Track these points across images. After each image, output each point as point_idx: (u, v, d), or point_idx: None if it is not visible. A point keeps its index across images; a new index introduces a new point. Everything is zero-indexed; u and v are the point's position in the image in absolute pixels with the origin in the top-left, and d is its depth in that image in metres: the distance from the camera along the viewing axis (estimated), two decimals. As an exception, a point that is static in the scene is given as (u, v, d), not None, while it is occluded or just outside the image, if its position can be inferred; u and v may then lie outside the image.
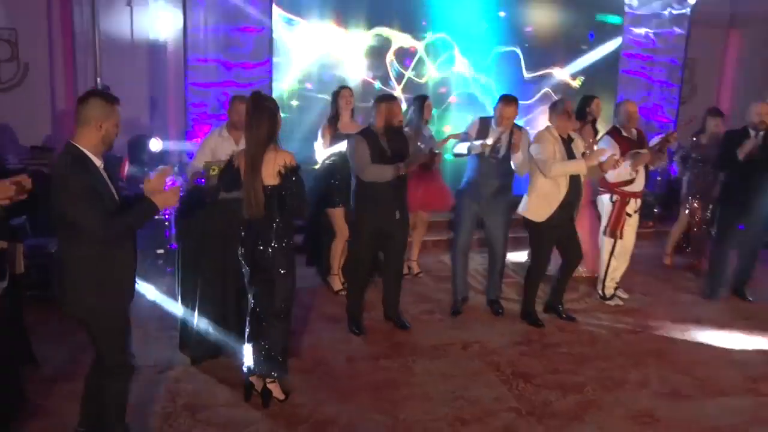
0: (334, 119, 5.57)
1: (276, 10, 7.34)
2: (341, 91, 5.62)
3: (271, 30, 7.27)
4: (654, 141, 5.63)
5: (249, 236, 3.72)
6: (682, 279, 6.43)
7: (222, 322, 4.30)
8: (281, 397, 3.89)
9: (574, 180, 4.95)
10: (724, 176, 5.85)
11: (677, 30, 8.66)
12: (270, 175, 3.59)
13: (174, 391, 3.98)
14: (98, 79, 6.69)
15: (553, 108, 5.02)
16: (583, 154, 5.00)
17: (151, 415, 3.70)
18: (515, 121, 5.02)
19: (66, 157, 2.85)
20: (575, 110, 5.74)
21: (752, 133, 5.46)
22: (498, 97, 5.13)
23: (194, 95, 7.16)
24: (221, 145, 4.94)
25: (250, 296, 3.87)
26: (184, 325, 4.44)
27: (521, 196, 5.18)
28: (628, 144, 5.34)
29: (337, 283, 5.71)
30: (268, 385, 3.88)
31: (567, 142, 4.96)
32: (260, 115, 3.57)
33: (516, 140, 4.89)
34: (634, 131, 5.49)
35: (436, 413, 3.86)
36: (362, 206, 4.76)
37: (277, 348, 3.84)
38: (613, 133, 5.47)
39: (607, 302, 5.69)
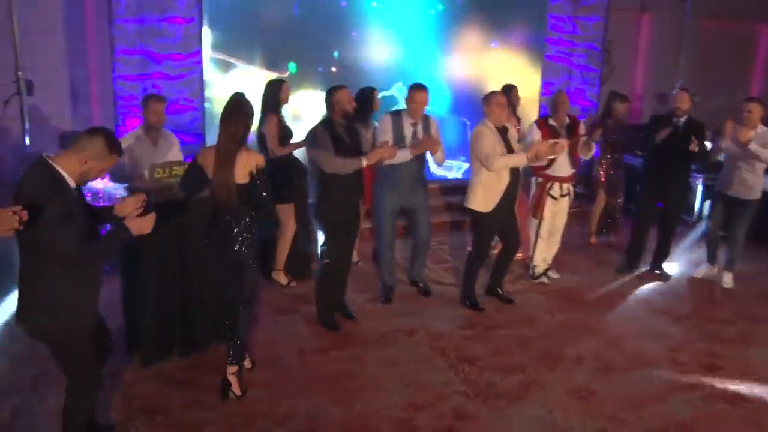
0: (276, 109, 5.53)
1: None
2: (282, 85, 5.62)
3: (200, 20, 7.15)
4: (583, 133, 5.88)
5: (217, 227, 3.83)
6: (607, 257, 6.82)
7: (179, 320, 4.35)
8: (238, 393, 4.00)
9: (514, 170, 5.18)
10: (645, 158, 6.25)
11: (595, 16, 9.05)
12: (241, 174, 3.72)
13: (128, 395, 4.00)
14: (19, 73, 6.43)
15: (487, 100, 5.21)
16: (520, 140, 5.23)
17: (108, 421, 3.71)
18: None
19: (43, 176, 2.77)
20: None
21: (674, 120, 5.83)
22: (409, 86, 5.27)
23: (123, 88, 6.99)
24: (138, 147, 4.94)
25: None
26: (132, 327, 4.45)
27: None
28: (551, 132, 5.61)
29: (283, 277, 5.79)
30: (228, 376, 4.00)
31: (502, 132, 5.16)
32: (239, 113, 3.73)
33: (433, 133, 5.13)
34: (566, 120, 5.78)
35: (390, 401, 4.05)
36: (327, 199, 4.79)
37: (240, 335, 3.98)
38: (539, 120, 5.78)
39: (535, 280, 6.02)
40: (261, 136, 5.43)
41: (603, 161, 7.02)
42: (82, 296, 2.97)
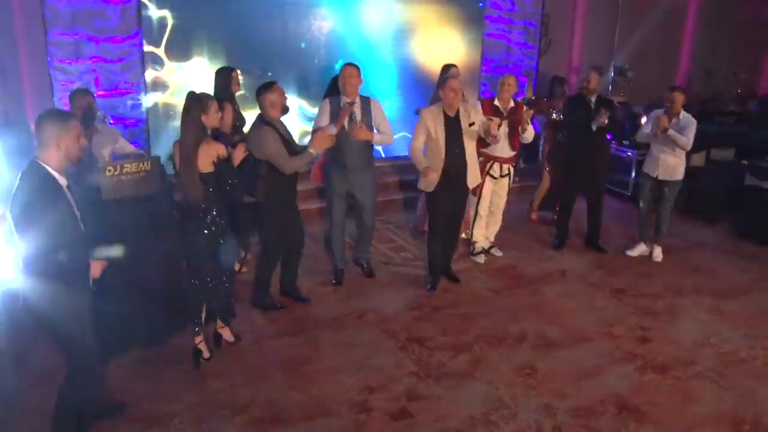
0: (231, 98, 5.53)
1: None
2: (232, 73, 5.62)
3: (138, 1, 6.99)
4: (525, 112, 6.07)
5: (191, 217, 4.13)
6: (547, 234, 7.09)
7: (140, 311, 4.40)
8: (231, 339, 4.63)
9: (452, 150, 5.24)
10: (568, 137, 6.54)
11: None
12: (205, 164, 4.00)
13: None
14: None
15: (439, 83, 5.31)
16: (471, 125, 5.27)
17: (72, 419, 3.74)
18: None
19: (33, 179, 2.96)
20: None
21: (586, 99, 6.17)
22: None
23: (60, 72, 6.81)
24: None
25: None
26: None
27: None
28: (492, 112, 5.80)
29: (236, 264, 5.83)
30: (219, 330, 4.58)
31: (453, 119, 5.24)
32: (197, 107, 3.96)
33: (360, 131, 5.12)
34: (511, 102, 5.95)
35: (345, 384, 4.21)
36: (274, 196, 4.85)
37: (228, 299, 4.52)
38: (484, 101, 5.97)
39: (474, 257, 6.25)
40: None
41: (547, 141, 7.29)
42: (78, 284, 3.19)
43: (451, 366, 4.47)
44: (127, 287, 4.31)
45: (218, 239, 4.19)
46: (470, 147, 5.36)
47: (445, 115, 5.26)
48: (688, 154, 6.19)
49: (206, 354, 4.41)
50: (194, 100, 3.96)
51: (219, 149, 4.03)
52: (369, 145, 5.40)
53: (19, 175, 3.02)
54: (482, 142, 5.76)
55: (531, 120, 5.91)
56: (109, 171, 4.19)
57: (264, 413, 3.90)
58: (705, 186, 7.59)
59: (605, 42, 10.43)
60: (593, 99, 6.18)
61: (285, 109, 4.76)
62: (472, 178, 5.42)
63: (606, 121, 5.92)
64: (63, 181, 3.08)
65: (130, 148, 5.05)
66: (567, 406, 4.05)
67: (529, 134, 5.96)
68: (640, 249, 6.50)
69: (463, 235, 6.43)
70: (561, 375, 4.39)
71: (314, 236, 6.68)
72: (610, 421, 3.93)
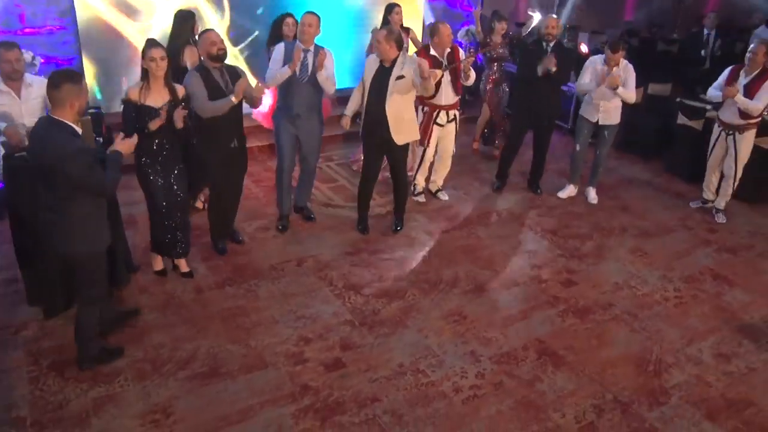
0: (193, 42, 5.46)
1: None
2: (194, 16, 5.58)
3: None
4: (463, 59, 6.04)
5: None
6: (487, 171, 7.25)
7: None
8: (186, 269, 5.03)
9: (372, 101, 5.30)
10: (518, 82, 6.57)
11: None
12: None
13: (36, 352, 4.13)
14: None
15: (382, 24, 5.26)
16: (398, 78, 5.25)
17: (18, 381, 3.87)
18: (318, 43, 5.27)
19: (61, 134, 3.38)
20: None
21: (543, 44, 6.15)
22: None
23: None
24: (0, 101, 4.62)
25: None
26: (30, 278, 4.48)
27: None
28: (433, 62, 5.75)
29: (199, 203, 6.00)
30: (176, 261, 5.02)
31: (385, 69, 5.22)
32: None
33: (320, 60, 5.16)
34: (447, 49, 5.91)
35: (283, 335, 4.40)
36: (205, 139, 4.89)
37: (184, 232, 4.89)
38: (421, 50, 5.92)
39: (414, 197, 6.40)
40: (181, 70, 5.31)
41: (488, 77, 7.34)
42: (103, 223, 3.75)
43: (384, 314, 4.69)
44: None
45: (165, 169, 4.56)
46: (400, 101, 5.28)
47: (381, 65, 5.25)
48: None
49: (159, 266, 5.00)
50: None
51: (181, 89, 4.48)
52: (316, 92, 5.38)
53: (38, 134, 3.46)
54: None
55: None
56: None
57: (204, 367, 4.07)
58: (640, 123, 7.79)
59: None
60: (551, 45, 6.15)
61: (213, 55, 4.69)
62: (401, 134, 5.37)
63: (553, 67, 5.94)
64: (78, 130, 3.50)
65: None
66: (491, 353, 4.33)
67: (471, 79, 5.99)
68: (569, 191, 6.71)
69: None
70: (487, 321, 4.66)
71: (256, 176, 6.70)
72: (529, 366, 4.22)
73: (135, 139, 3.86)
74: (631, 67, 6.07)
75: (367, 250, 5.54)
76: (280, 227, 5.79)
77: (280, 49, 5.29)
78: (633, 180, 7.32)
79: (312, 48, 5.23)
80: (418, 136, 5.73)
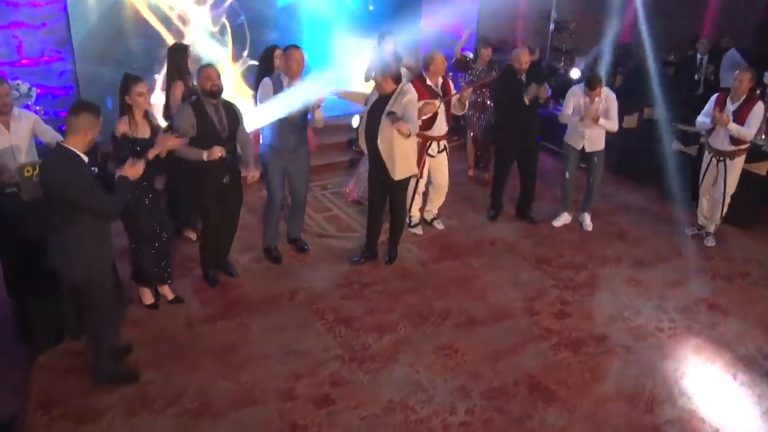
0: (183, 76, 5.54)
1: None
2: (188, 50, 5.65)
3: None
4: (454, 92, 6.02)
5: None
6: (483, 197, 7.19)
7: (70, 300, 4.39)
8: (171, 296, 5.07)
9: (368, 133, 5.30)
10: (500, 112, 6.59)
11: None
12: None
13: (22, 390, 4.10)
14: None
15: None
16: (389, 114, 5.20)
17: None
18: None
19: (64, 159, 3.61)
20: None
21: (518, 77, 6.15)
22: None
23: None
24: None
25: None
26: (20, 314, 4.49)
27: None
28: (428, 92, 5.78)
29: (192, 233, 6.04)
30: (160, 290, 5.04)
31: (382, 100, 5.23)
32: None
33: (318, 101, 5.22)
34: (439, 79, 5.92)
35: (273, 371, 4.39)
36: (195, 174, 4.91)
37: (169, 257, 5.01)
38: (416, 80, 5.89)
39: (411, 229, 6.37)
40: (167, 104, 5.48)
41: (472, 103, 7.32)
42: (104, 246, 3.91)
43: (375, 348, 4.67)
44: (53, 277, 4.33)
45: (146, 196, 4.61)
46: (392, 136, 5.19)
47: (378, 95, 5.27)
48: (620, 118, 6.33)
49: (150, 299, 4.98)
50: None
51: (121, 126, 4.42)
52: (303, 125, 5.41)
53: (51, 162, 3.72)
54: (422, 125, 5.79)
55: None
56: (27, 171, 4.16)
57: (194, 404, 4.06)
58: (635, 148, 7.79)
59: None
60: (524, 76, 6.17)
61: (207, 91, 4.72)
62: (396, 169, 5.33)
63: (544, 95, 5.97)
64: (85, 159, 3.68)
65: (51, 133, 4.89)
66: (482, 388, 4.30)
67: (461, 110, 6.04)
68: (564, 219, 6.69)
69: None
70: (479, 355, 4.63)
71: (250, 205, 6.70)
72: (520, 402, 4.19)
73: (142, 164, 3.99)
74: (613, 96, 6.08)
75: (359, 282, 5.52)
76: (272, 259, 5.77)
77: (267, 85, 5.26)
78: (629, 206, 7.30)
79: (297, 82, 5.26)
80: (416, 171, 5.71)
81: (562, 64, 10.12)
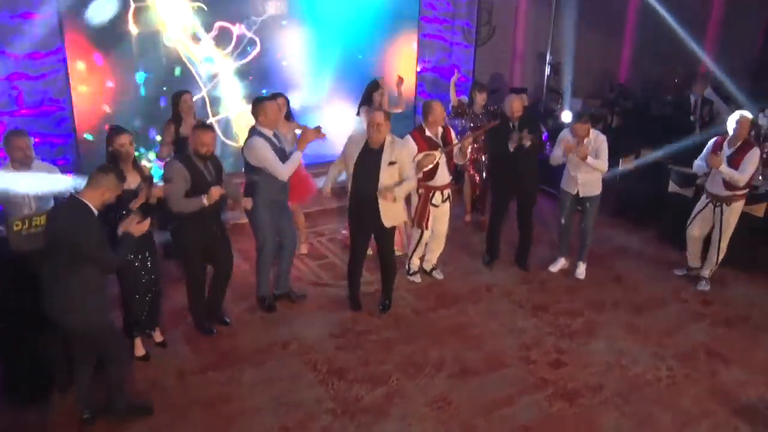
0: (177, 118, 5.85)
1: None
2: (183, 96, 5.95)
3: (59, 14, 6.79)
4: (456, 142, 5.98)
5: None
6: (478, 243, 7.14)
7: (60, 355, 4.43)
8: (161, 339, 5.15)
9: (363, 184, 5.27)
10: (493, 160, 6.59)
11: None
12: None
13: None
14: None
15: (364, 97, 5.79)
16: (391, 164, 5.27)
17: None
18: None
19: (76, 211, 3.74)
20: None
21: (510, 124, 6.15)
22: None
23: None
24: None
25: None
26: (7, 369, 4.46)
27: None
28: (427, 144, 5.76)
29: None
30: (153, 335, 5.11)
31: (374, 151, 5.21)
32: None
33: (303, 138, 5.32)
34: (439, 129, 5.89)
35: (264, 424, 4.33)
36: (184, 225, 4.94)
37: (159, 305, 5.09)
38: (415, 133, 5.86)
39: (409, 277, 6.33)
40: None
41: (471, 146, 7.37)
42: (103, 297, 3.98)
43: (368, 400, 4.60)
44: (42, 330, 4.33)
45: (139, 252, 4.66)
46: (390, 186, 5.27)
47: (366, 145, 5.26)
48: (616, 160, 6.32)
49: (141, 351, 4.96)
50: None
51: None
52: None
53: (61, 210, 3.88)
54: (425, 175, 5.81)
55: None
56: (17, 226, 4.17)
57: (182, 458, 4.01)
58: (632, 189, 7.78)
59: (545, 29, 10.50)
60: (516, 124, 6.16)
61: (205, 156, 4.88)
62: (391, 218, 5.37)
63: (527, 142, 5.99)
64: (95, 212, 3.80)
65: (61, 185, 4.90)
66: (475, 442, 4.22)
67: (464, 158, 6.05)
68: (560, 264, 6.64)
69: (398, 253, 6.52)
70: (473, 407, 4.56)
71: (246, 253, 6.69)
72: (514, 457, 4.11)
73: (147, 222, 4.11)
74: (603, 137, 6.08)
75: (353, 330, 5.47)
76: (266, 308, 5.72)
77: (259, 140, 5.23)
78: (627, 249, 7.26)
79: (277, 132, 5.32)
80: (405, 218, 5.72)
81: (559, 106, 10.17)
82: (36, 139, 6.53)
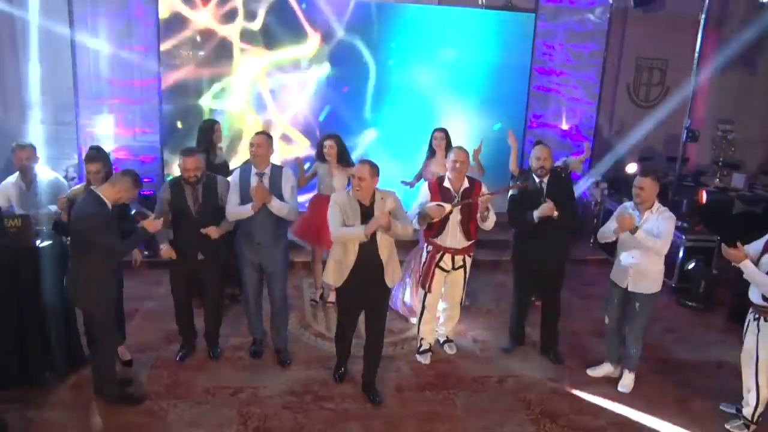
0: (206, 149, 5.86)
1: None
2: (214, 126, 6.05)
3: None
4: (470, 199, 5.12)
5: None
6: (503, 322, 6.06)
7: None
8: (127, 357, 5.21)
9: (366, 246, 4.60)
10: (515, 235, 5.58)
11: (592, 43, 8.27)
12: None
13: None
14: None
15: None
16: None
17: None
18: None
19: (90, 201, 4.23)
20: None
21: (536, 180, 5.22)
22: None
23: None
24: (12, 191, 5.31)
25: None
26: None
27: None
28: (440, 195, 5.09)
29: None
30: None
31: (368, 207, 4.61)
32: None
33: (286, 187, 5.01)
34: (465, 182, 5.16)
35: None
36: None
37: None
38: (433, 182, 5.25)
39: (418, 356, 5.51)
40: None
41: None
42: (109, 284, 4.42)
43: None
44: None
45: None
46: (387, 241, 4.65)
47: (360, 203, 4.61)
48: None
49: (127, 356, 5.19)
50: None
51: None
52: (278, 221, 5.04)
53: (81, 202, 4.31)
54: (431, 230, 5.17)
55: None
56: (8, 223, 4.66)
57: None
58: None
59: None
60: (545, 182, 5.21)
61: (190, 181, 4.95)
62: (391, 275, 4.73)
63: (555, 213, 4.98)
64: (110, 206, 4.28)
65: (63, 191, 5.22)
66: None
67: (490, 222, 5.16)
68: (605, 369, 5.35)
69: (413, 320, 5.85)
70: None
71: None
72: None
73: (161, 221, 4.51)
74: (669, 214, 4.82)
75: (314, 393, 4.91)
76: (252, 352, 5.43)
77: (235, 174, 5.07)
78: (723, 364, 5.64)
79: (267, 170, 4.99)
80: (401, 275, 5.09)
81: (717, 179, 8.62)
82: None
